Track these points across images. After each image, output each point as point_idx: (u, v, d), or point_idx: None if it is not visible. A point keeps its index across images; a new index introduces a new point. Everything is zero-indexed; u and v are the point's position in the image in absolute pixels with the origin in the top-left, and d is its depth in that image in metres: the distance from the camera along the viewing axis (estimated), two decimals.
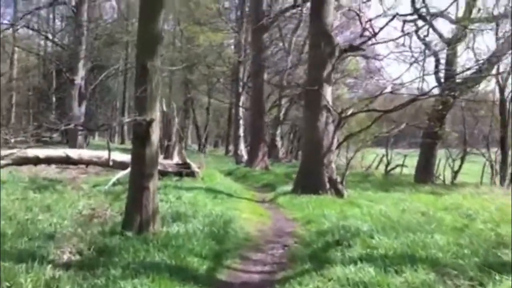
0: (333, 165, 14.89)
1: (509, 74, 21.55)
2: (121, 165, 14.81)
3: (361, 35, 17.04)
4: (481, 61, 19.38)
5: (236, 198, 13.65)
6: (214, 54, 39.13)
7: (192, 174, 15.77)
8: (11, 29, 30.92)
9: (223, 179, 17.87)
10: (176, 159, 16.48)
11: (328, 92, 15.28)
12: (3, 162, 13.36)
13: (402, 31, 17.88)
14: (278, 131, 35.03)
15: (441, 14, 20.07)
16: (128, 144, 37.47)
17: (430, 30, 20.96)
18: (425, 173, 21.68)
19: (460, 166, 22.27)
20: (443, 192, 15.96)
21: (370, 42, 17.51)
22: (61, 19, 40.67)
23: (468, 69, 19.25)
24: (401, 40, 17.90)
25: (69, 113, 24.34)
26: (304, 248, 8.00)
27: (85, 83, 26.44)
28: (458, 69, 20.62)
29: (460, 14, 21.20)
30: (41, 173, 15.19)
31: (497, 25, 20.26)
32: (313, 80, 15.44)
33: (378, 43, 17.44)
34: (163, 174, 14.37)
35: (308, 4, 21.98)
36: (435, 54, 21.34)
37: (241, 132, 32.93)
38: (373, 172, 26.17)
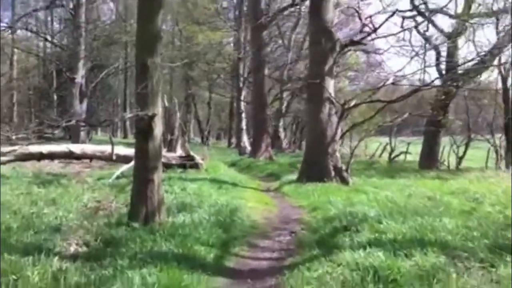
0: (338, 154, 14.84)
1: (510, 64, 21.48)
2: (125, 159, 14.76)
3: (361, 31, 16.97)
4: (483, 53, 19.30)
5: (241, 187, 13.63)
6: (213, 51, 39.02)
7: (196, 166, 15.75)
8: (9, 31, 30.80)
9: (227, 170, 17.86)
10: (179, 151, 16.43)
11: (330, 84, 15.29)
12: (4, 158, 13.28)
13: (402, 27, 17.83)
14: (281, 123, 34.98)
15: (440, 10, 20.00)
16: (131, 139, 37.47)
17: (430, 25, 20.90)
18: (429, 159, 21.66)
19: (465, 152, 22.22)
20: (448, 177, 15.94)
21: (370, 37, 17.41)
22: (59, 21, 40.57)
23: (470, 60, 19.17)
24: (401, 35, 17.91)
25: (71, 110, 24.33)
26: (312, 234, 7.96)
27: (86, 81, 26.46)
28: (460, 61, 20.53)
29: (460, 9, 21.16)
30: (44, 168, 15.17)
31: (497, 19, 20.14)
32: (314, 75, 15.46)
33: (378, 37, 17.37)
34: (167, 166, 14.33)
35: (307, 2, 21.93)
36: (436, 47, 21.30)
37: (243, 125, 32.91)
38: (377, 160, 26.13)
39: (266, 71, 28.90)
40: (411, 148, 25.43)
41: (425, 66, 19.07)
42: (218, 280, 5.87)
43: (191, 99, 48.68)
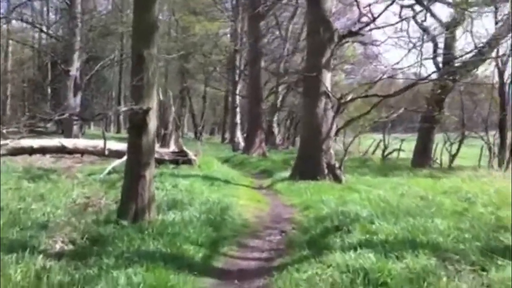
0: (332, 151, 14.74)
1: (508, 57, 21.35)
2: (117, 154, 14.66)
3: (359, 21, 16.82)
4: (481, 45, 19.18)
5: (233, 185, 13.53)
6: (210, 43, 38.79)
7: (189, 162, 15.64)
8: (4, 22, 30.56)
9: (220, 166, 17.75)
10: (172, 147, 16.32)
11: (327, 78, 15.13)
12: None
13: (400, 16, 17.68)
14: (275, 118, 34.86)
15: None
16: (124, 133, 37.30)
17: (428, 14, 20.76)
18: (422, 157, 21.63)
19: (458, 150, 22.17)
20: (441, 176, 15.92)
21: (368, 28, 17.26)
22: (55, 12, 40.29)
23: (468, 52, 19.05)
24: (398, 26, 17.76)
25: (64, 103, 24.17)
26: (302, 234, 7.88)
27: (80, 74, 26.29)
28: (457, 53, 20.42)
29: None
30: (35, 163, 15.02)
31: (496, 8, 20.01)
32: (312, 67, 15.27)
33: (376, 28, 17.20)
34: (160, 162, 14.23)
35: None
36: (433, 39, 21.16)
37: (237, 119, 32.77)
38: (371, 157, 26.10)
39: (263, 64, 28.75)
40: (405, 145, 25.42)
41: (421, 59, 18.91)
42: (205, 280, 5.79)
43: (186, 93, 48.49)
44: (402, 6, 18.06)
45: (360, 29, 16.68)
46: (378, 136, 27.67)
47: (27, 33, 40.46)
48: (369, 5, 16.26)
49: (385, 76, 17.43)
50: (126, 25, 28.01)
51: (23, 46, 38.61)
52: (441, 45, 21.74)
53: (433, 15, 21.06)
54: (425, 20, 20.96)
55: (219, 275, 6.01)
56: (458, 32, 20.90)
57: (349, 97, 15.89)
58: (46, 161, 15.75)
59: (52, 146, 15.81)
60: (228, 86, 41.00)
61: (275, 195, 12.93)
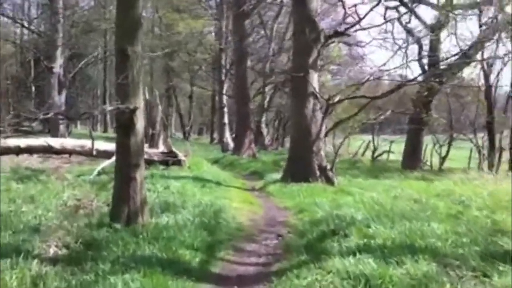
0: (322, 153, 14.69)
1: (494, 60, 21.47)
2: (105, 154, 14.48)
3: (344, 21, 16.82)
4: (466, 48, 19.26)
5: (225, 186, 13.43)
6: (195, 41, 38.52)
7: (178, 163, 15.49)
8: None
9: (210, 167, 17.64)
10: (161, 147, 16.15)
11: (314, 78, 15.05)
12: None
13: (384, 18, 17.71)
14: (263, 119, 34.77)
15: (423, 0, 19.91)
16: (111, 133, 37.02)
17: (413, 16, 20.81)
18: (412, 159, 21.69)
19: (447, 152, 22.26)
20: (433, 178, 15.97)
21: (354, 28, 17.25)
22: (36, 7, 39.82)
23: (454, 55, 19.12)
24: (383, 27, 17.79)
25: (48, 102, 23.86)
26: (299, 238, 7.80)
27: (64, 71, 25.93)
28: (442, 55, 20.49)
29: (442, 0, 21.08)
30: (23, 163, 14.80)
31: (480, 11, 20.10)
32: (298, 67, 15.21)
33: (362, 29, 17.20)
34: (149, 163, 14.05)
35: None
36: (418, 41, 21.22)
37: (226, 120, 32.64)
38: (361, 158, 26.13)
39: (249, 63, 28.62)
40: (394, 147, 25.48)
41: (407, 61, 18.92)
42: (203, 286, 5.70)
43: (172, 92, 48.23)
44: (386, 8, 18.10)
45: (347, 29, 16.65)
46: (367, 137, 27.72)
47: (8, 28, 39.88)
48: (355, 5, 16.28)
49: (372, 78, 17.42)
50: (109, 22, 27.76)
51: (4, 42, 38.04)
52: (426, 47, 21.81)
53: (417, 17, 21.13)
54: (409, 22, 21.04)
55: (217, 281, 5.91)
56: (443, 34, 21.00)
57: (337, 98, 15.85)
58: (34, 161, 15.53)
59: (39, 146, 15.53)
60: (215, 85, 40.82)
61: (267, 197, 12.85)
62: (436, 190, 12.44)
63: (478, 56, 20.44)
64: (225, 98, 33.43)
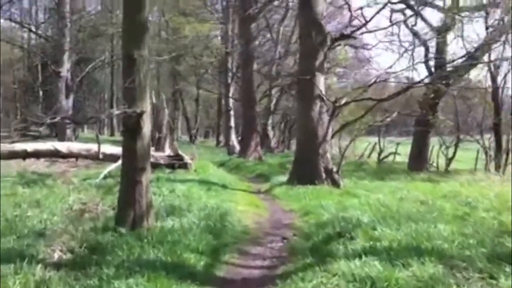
0: (328, 155, 14.66)
1: (501, 61, 21.34)
2: (112, 158, 14.47)
3: (350, 24, 16.78)
4: (472, 50, 19.17)
5: (230, 189, 13.40)
6: (201, 45, 38.56)
7: (184, 166, 15.50)
8: None
9: (216, 170, 17.62)
10: (167, 151, 16.17)
11: (321, 81, 15.03)
12: None
13: (390, 20, 17.67)
14: (270, 121, 34.74)
15: (429, 3, 19.83)
16: (118, 136, 37.07)
17: (419, 19, 20.74)
18: (418, 161, 21.56)
19: (454, 153, 22.13)
20: (439, 180, 15.86)
21: (360, 31, 17.22)
22: (43, 11, 39.96)
23: (461, 57, 19.04)
24: (389, 30, 17.76)
25: (56, 106, 23.93)
26: (304, 241, 7.76)
27: (72, 75, 26.01)
28: (449, 58, 20.41)
29: (449, 2, 21.00)
30: (30, 167, 14.86)
31: (487, 13, 20.00)
32: (305, 70, 15.17)
33: (369, 31, 17.18)
34: (155, 166, 14.07)
35: None
36: (425, 43, 21.14)
37: (232, 122, 32.64)
38: (366, 160, 26.04)
39: (255, 66, 28.61)
40: (400, 149, 25.37)
41: (414, 63, 18.83)
42: None
43: (178, 95, 48.29)
44: (392, 10, 18.04)
45: (353, 32, 16.61)
46: (373, 139, 27.63)
47: (15, 33, 40.09)
48: (361, 8, 16.24)
49: (378, 80, 17.36)
50: (116, 26, 27.80)
51: (12, 47, 38.21)
52: (432, 49, 21.72)
53: (423, 19, 21.06)
54: (415, 25, 20.97)
55: (222, 285, 5.90)
56: (449, 36, 20.91)
57: (343, 101, 15.78)
58: (41, 165, 15.61)
59: (46, 150, 15.56)
60: (221, 88, 40.83)
61: (273, 200, 12.81)
62: (443, 191, 12.38)
63: (485, 58, 20.32)
64: (231, 101, 33.42)
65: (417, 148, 21.96)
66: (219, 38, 41.53)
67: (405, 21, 19.58)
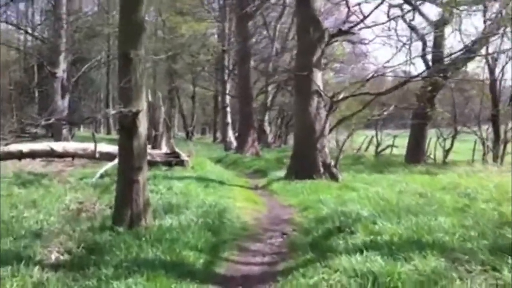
0: (326, 149, 14.61)
1: (498, 54, 21.34)
2: (108, 156, 14.42)
3: (347, 20, 16.70)
4: (470, 43, 19.11)
5: (228, 186, 13.32)
6: (198, 43, 38.42)
7: (181, 163, 15.43)
8: None
9: (213, 167, 17.57)
10: (164, 148, 16.11)
11: (318, 77, 15.01)
12: None
13: (388, 15, 17.57)
14: (266, 117, 34.69)
15: None
16: (114, 134, 36.99)
17: (417, 13, 20.63)
18: (416, 153, 21.54)
19: (451, 145, 22.11)
20: (437, 172, 15.86)
21: (358, 27, 17.11)
22: (40, 13, 39.78)
23: (459, 51, 18.97)
24: (387, 24, 17.65)
25: (51, 106, 23.79)
26: (304, 236, 7.71)
27: (68, 76, 25.87)
28: (446, 51, 20.34)
29: None
30: (26, 168, 14.75)
31: (485, 7, 19.92)
32: (302, 66, 15.16)
33: (367, 27, 17.07)
34: (152, 164, 13.97)
35: None
36: (422, 38, 21.07)
37: (228, 119, 32.57)
38: (364, 153, 26.02)
39: (252, 63, 28.55)
40: (397, 141, 25.35)
41: (411, 57, 18.76)
42: None
43: (175, 93, 48.20)
44: (390, 5, 17.94)
45: (351, 28, 16.53)
46: (370, 133, 27.61)
47: (11, 35, 39.92)
48: (359, 4, 16.16)
49: (376, 75, 17.29)
50: (113, 26, 27.65)
51: (8, 48, 38.04)
52: (429, 43, 21.68)
53: (421, 14, 20.98)
54: (413, 19, 20.90)
55: (222, 282, 5.81)
56: (447, 30, 20.85)
57: (341, 96, 15.74)
58: (37, 165, 15.49)
59: (42, 150, 15.48)
60: (217, 86, 40.75)
61: (271, 195, 12.77)
62: (441, 183, 12.37)
63: (483, 51, 20.28)
64: (227, 98, 33.35)
65: (415, 141, 21.94)
66: (216, 36, 41.38)
67: (402, 16, 19.48)
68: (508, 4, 16.57)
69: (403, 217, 7.62)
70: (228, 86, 33.91)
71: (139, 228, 7.33)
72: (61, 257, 6.18)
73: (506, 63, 22.03)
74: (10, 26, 34.58)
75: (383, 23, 17.09)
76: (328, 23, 26.45)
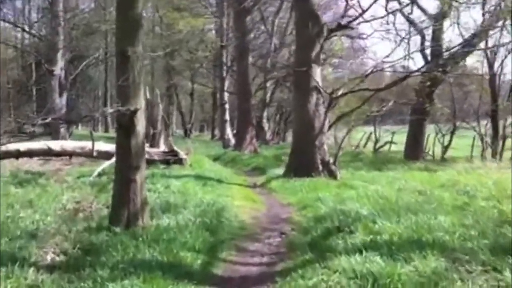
0: (325, 147, 14.53)
1: (498, 48, 21.26)
2: (106, 155, 14.35)
3: (345, 14, 16.59)
4: (469, 37, 19.03)
5: (226, 184, 13.26)
6: (195, 39, 38.29)
7: (179, 161, 15.36)
8: None
9: (211, 164, 17.51)
10: (162, 147, 16.03)
11: (317, 73, 14.91)
12: None
13: (386, 9, 17.46)
14: (265, 114, 34.60)
15: None
16: (112, 133, 36.85)
17: (415, 7, 20.56)
18: (415, 149, 21.52)
19: (450, 141, 22.06)
20: (436, 169, 15.83)
21: (357, 21, 16.99)
22: (37, 11, 39.64)
23: (459, 45, 18.89)
24: (385, 18, 17.52)
25: (49, 105, 23.70)
26: (303, 236, 7.64)
27: (65, 73, 25.78)
28: (445, 45, 20.27)
29: None
30: (23, 166, 14.66)
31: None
32: (301, 61, 15.08)
33: (366, 21, 16.95)
34: (150, 162, 13.87)
35: None
36: (421, 32, 20.98)
37: (227, 116, 32.49)
38: (362, 150, 25.97)
39: (250, 59, 28.44)
40: (396, 138, 25.30)
41: (409, 52, 18.67)
42: None
43: (173, 90, 48.08)
44: None
45: (350, 22, 16.42)
46: (369, 129, 27.55)
47: (9, 33, 39.81)
48: None
49: (375, 70, 17.20)
50: (110, 23, 27.54)
51: (6, 46, 37.92)
52: (428, 37, 21.60)
53: (419, 7, 20.90)
54: (411, 13, 20.81)
55: (220, 283, 5.75)
56: (446, 23, 20.77)
57: (340, 92, 15.64)
58: (34, 164, 15.42)
59: (39, 149, 15.36)
60: (216, 82, 40.64)
61: (270, 193, 12.71)
62: (440, 180, 12.31)
63: (482, 45, 20.20)
64: (226, 94, 33.26)
65: (413, 137, 21.90)
66: (214, 32, 41.26)
67: (401, 10, 19.37)
68: None
69: (403, 215, 7.54)
70: (226, 83, 33.80)
71: (136, 228, 7.26)
72: (57, 258, 6.11)
73: (506, 57, 21.97)
74: (7, 24, 34.51)
75: (382, 17, 16.99)
76: (326, 18, 26.38)
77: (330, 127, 16.08)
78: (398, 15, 19.50)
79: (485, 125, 22.23)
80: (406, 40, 18.32)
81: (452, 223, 7.04)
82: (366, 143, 27.69)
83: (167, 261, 5.98)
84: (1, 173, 12.64)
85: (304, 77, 14.61)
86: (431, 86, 19.31)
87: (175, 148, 15.85)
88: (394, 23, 17.90)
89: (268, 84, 34.09)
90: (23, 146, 14.62)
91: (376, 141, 26.05)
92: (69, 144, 16.10)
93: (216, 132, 44.51)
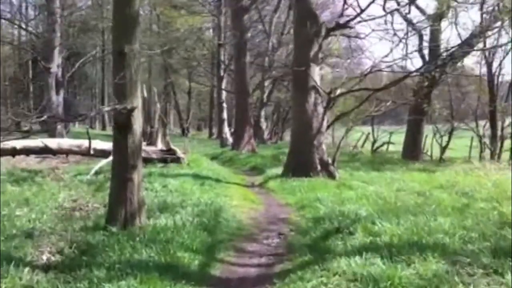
0: (324, 147, 14.46)
1: (496, 48, 21.21)
2: (103, 153, 14.26)
3: (342, 13, 16.54)
4: (468, 37, 19.01)
5: (224, 183, 13.17)
6: (193, 37, 38.23)
7: (177, 160, 15.28)
8: None
9: (209, 163, 17.41)
10: (160, 145, 15.93)
11: (315, 72, 14.83)
12: None
13: (384, 9, 17.40)
14: (262, 113, 34.53)
15: None
16: (109, 130, 36.76)
17: (413, 6, 20.48)
18: (413, 150, 21.51)
19: (448, 142, 22.01)
20: (434, 169, 15.79)
21: (355, 21, 16.92)
22: (33, 8, 39.54)
23: (456, 46, 18.85)
24: (383, 18, 17.46)
25: (45, 103, 23.63)
26: (301, 237, 7.55)
27: (62, 71, 25.71)
28: (443, 45, 20.24)
29: None
30: (19, 164, 14.58)
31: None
32: (299, 61, 14.97)
33: (364, 21, 16.88)
34: (147, 161, 13.83)
35: None
36: (419, 32, 20.94)
37: (224, 115, 32.38)
38: (361, 150, 25.92)
39: (248, 58, 28.36)
40: (394, 138, 25.26)
41: (407, 52, 18.63)
42: None
43: (170, 88, 48.01)
44: None
45: (348, 21, 16.35)
46: (366, 129, 27.49)
47: (6, 30, 39.70)
48: None
49: (374, 70, 17.14)
50: (107, 21, 27.47)
51: (2, 44, 37.83)
52: (426, 37, 21.57)
53: (417, 7, 20.85)
54: (409, 13, 20.75)
55: (217, 284, 5.68)
56: (444, 23, 20.74)
57: (338, 92, 15.57)
58: (31, 161, 15.34)
59: (35, 146, 15.27)
60: (213, 81, 40.58)
61: (268, 193, 12.61)
62: (439, 181, 12.27)
63: (480, 45, 20.16)
64: (223, 93, 33.18)
65: (411, 137, 21.88)
66: (211, 30, 41.16)
67: (398, 10, 19.32)
68: None
69: (402, 217, 7.49)
70: (224, 82, 33.71)
71: (133, 228, 7.17)
72: (53, 258, 6.03)
73: (504, 57, 21.93)
74: (4, 21, 34.39)
75: (380, 17, 16.93)
76: (323, 17, 26.31)
77: (328, 127, 16.00)
78: (396, 15, 19.50)
79: (483, 126, 22.17)
80: (404, 41, 18.24)
81: (452, 225, 6.99)
82: (364, 143, 27.63)
83: (164, 261, 5.90)
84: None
85: (303, 76, 14.53)
86: (429, 86, 19.29)
87: (173, 146, 15.77)
88: (392, 23, 17.88)
89: (266, 83, 34.01)
90: (19, 143, 14.53)
91: (374, 141, 26.00)
92: (65, 142, 16.02)
93: (214, 130, 44.42)
